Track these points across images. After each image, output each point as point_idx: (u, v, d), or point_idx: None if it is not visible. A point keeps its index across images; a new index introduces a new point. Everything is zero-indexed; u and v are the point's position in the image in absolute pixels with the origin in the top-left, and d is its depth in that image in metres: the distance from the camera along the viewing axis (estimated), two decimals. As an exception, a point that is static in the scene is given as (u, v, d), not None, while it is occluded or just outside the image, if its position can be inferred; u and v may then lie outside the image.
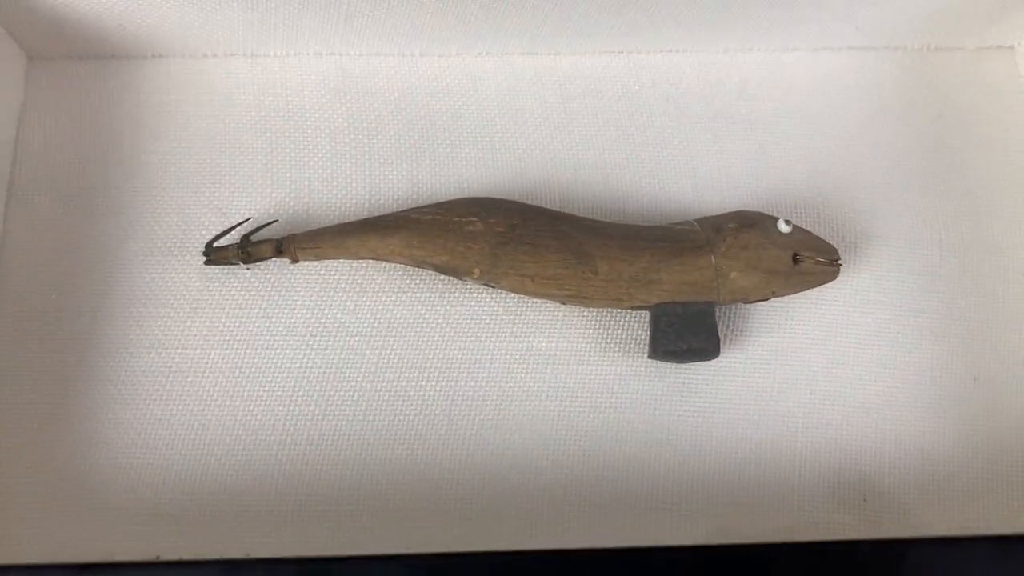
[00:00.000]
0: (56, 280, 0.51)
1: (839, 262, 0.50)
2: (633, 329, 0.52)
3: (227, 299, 0.51)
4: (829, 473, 0.50)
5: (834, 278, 0.50)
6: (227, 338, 0.51)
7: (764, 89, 0.57)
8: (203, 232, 0.52)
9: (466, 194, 0.55)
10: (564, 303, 0.51)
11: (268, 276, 0.52)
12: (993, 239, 0.55)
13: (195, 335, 0.51)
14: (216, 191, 0.54)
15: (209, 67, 0.56)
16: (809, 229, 0.53)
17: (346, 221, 0.51)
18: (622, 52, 0.58)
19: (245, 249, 0.50)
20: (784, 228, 0.49)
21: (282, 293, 0.52)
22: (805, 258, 0.49)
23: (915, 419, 0.51)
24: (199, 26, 0.54)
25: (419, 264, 0.50)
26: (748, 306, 0.52)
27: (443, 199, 0.53)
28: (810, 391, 0.52)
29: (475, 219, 0.49)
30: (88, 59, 0.56)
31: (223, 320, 0.51)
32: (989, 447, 0.51)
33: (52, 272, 0.51)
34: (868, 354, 0.52)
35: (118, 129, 0.55)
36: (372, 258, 0.50)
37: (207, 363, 0.50)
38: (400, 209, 0.52)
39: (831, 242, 0.53)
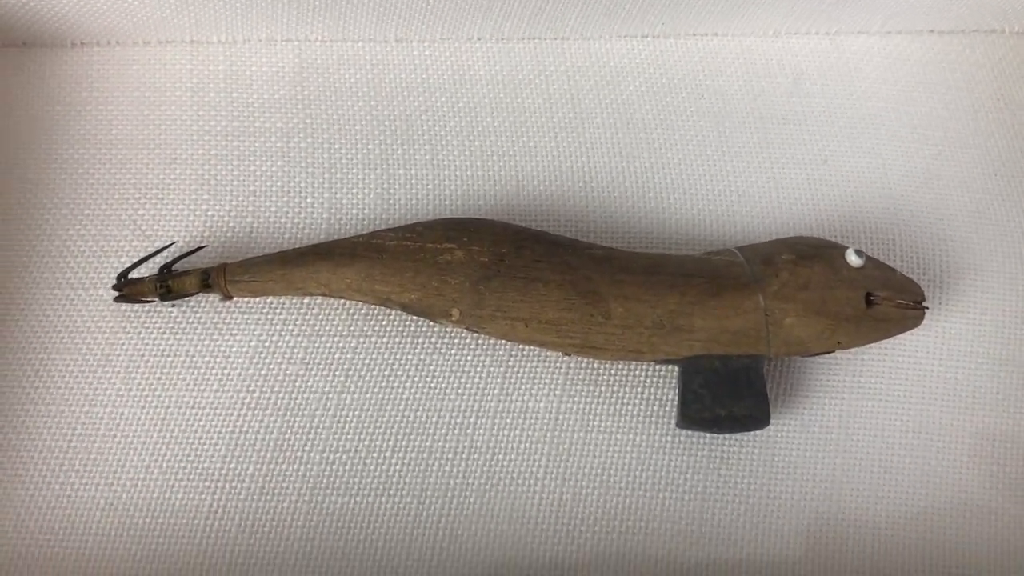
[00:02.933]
0: (-65, 316, 0.42)
1: (925, 304, 0.40)
2: (658, 388, 0.43)
3: (146, 344, 0.43)
4: (913, 577, 0.39)
5: (918, 324, 0.40)
6: (145, 393, 0.42)
7: (824, 81, 0.48)
8: (122, 259, 0.44)
9: (449, 212, 0.45)
10: (568, 354, 0.40)
11: (198, 316, 0.43)
12: (1123, 273, 0.43)
13: (106, 389, 0.42)
14: (140, 207, 0.45)
15: (140, 56, 0.48)
16: (883, 260, 0.42)
17: (293, 248, 0.41)
18: (646, 36, 0.49)
19: (164, 282, 0.41)
20: (855, 260, 0.38)
21: (215, 338, 0.43)
22: (882, 299, 0.39)
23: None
24: (128, 8, 0.46)
25: (383, 302, 0.40)
26: (807, 360, 0.41)
27: (419, 219, 0.44)
28: (885, 469, 0.42)
29: (453, 246, 0.39)
30: (-5, 47, 0.47)
31: (141, 371, 0.43)
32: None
33: (-69, 306, 0.42)
34: (961, 421, 0.43)
35: (25, 131, 0.46)
36: (323, 294, 0.40)
37: (119, 425, 0.42)
38: (362, 232, 0.41)
39: (914, 278, 0.42)
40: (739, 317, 0.38)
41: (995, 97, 0.47)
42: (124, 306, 0.42)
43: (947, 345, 0.43)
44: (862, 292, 0.38)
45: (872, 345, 0.42)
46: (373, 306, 0.42)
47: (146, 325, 0.42)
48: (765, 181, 0.45)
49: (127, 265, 0.42)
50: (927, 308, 0.40)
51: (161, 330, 0.42)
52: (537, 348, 0.42)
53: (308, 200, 0.45)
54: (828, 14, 0.47)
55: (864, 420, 0.42)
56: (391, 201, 0.45)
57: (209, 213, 0.44)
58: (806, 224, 0.44)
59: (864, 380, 0.42)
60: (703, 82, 0.47)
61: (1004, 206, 0.45)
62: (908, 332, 0.42)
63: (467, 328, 0.40)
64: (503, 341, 0.42)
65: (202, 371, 0.42)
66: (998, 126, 0.47)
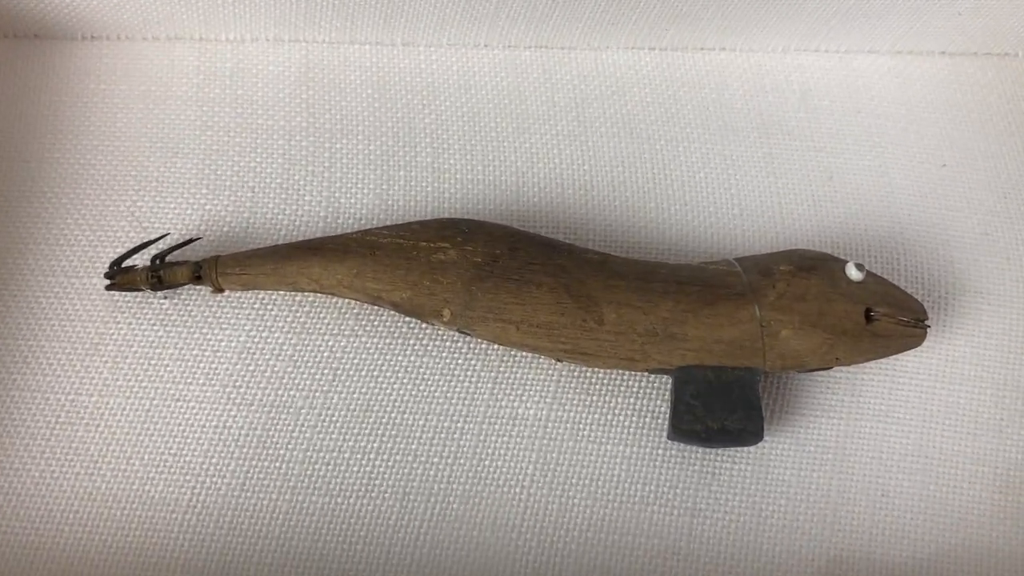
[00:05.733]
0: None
1: (926, 323, 0.38)
2: (650, 399, 0.42)
3: (137, 335, 0.43)
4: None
5: (917, 344, 0.39)
6: (131, 384, 0.42)
7: (832, 98, 0.48)
8: (118, 249, 0.44)
9: (447, 215, 0.44)
10: (560, 359, 0.39)
11: (189, 309, 0.42)
12: None
13: (92, 378, 0.42)
14: (140, 199, 0.45)
15: (148, 51, 0.48)
16: (887, 278, 0.41)
17: (287, 242, 0.40)
18: (653, 48, 0.49)
19: (156, 272, 0.40)
20: (855, 275, 0.37)
21: (204, 331, 0.42)
22: (882, 316, 0.37)
23: (1026, 536, 0.39)
24: (139, 4, 0.46)
25: (374, 300, 0.39)
26: (804, 376, 0.40)
27: (415, 219, 0.43)
28: (883, 492, 0.41)
29: (447, 245, 0.38)
30: (7, 39, 0.48)
31: (128, 361, 0.42)
32: None
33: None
34: (961, 446, 0.41)
35: (32, 121, 0.46)
36: (315, 291, 0.40)
37: (103, 414, 0.41)
38: (357, 230, 0.41)
39: (916, 298, 0.41)
40: (734, 327, 0.37)
41: (1006, 120, 0.47)
42: (116, 295, 0.42)
43: (949, 367, 0.42)
44: (862, 307, 0.37)
45: (872, 364, 0.41)
46: (364, 305, 0.42)
47: (137, 316, 0.42)
48: (769, 195, 0.45)
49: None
50: (929, 327, 0.39)
51: (151, 321, 0.42)
52: (528, 353, 0.41)
53: (306, 198, 0.45)
54: (838, 32, 0.47)
55: (862, 441, 0.41)
56: (389, 202, 0.45)
57: (207, 207, 0.44)
58: (809, 239, 0.44)
59: (863, 400, 0.41)
60: (708, 96, 0.47)
61: (1012, 229, 0.44)
62: (909, 352, 0.41)
63: (458, 330, 0.39)
64: (494, 345, 0.41)
65: (190, 364, 0.41)
66: (1008, 149, 0.46)
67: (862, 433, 0.41)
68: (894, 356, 0.41)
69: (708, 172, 0.45)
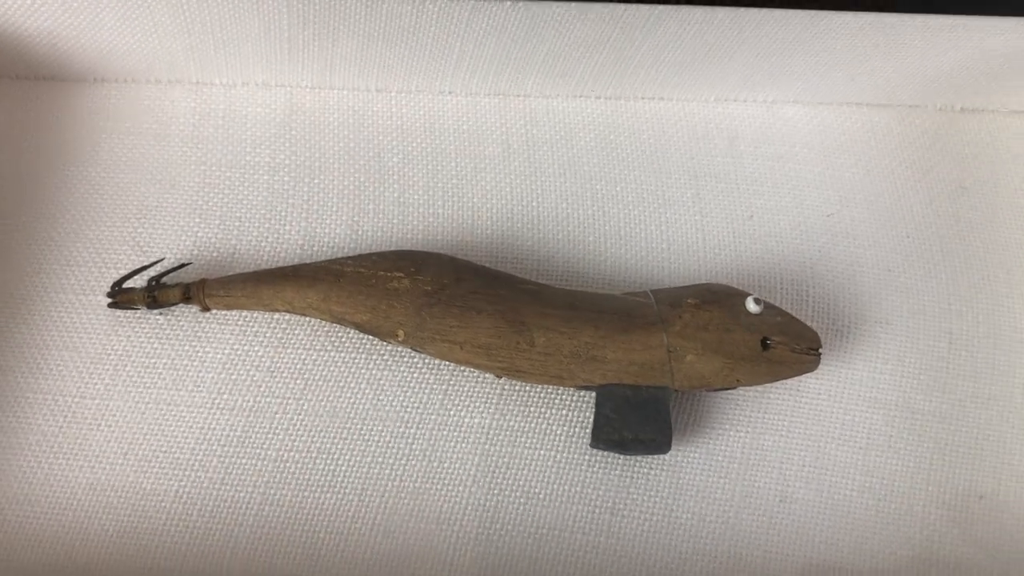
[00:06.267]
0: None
1: (819, 350, 0.43)
2: (580, 412, 0.46)
3: (135, 347, 0.47)
4: (797, 598, 0.43)
5: (812, 369, 0.43)
6: (130, 389, 0.46)
7: (757, 145, 0.52)
8: (119, 271, 0.48)
9: (411, 246, 0.49)
10: (499, 376, 0.44)
11: (180, 324, 0.48)
12: (1013, 332, 0.47)
13: (96, 384, 0.47)
14: (140, 227, 0.50)
15: (150, 93, 0.53)
16: (796, 308, 0.47)
17: (265, 268, 0.46)
18: (599, 97, 0.53)
19: (151, 293, 0.45)
20: (753, 308, 0.42)
21: (194, 344, 0.47)
22: (777, 344, 0.42)
23: (908, 540, 0.44)
24: (143, 50, 0.51)
25: (339, 321, 0.45)
26: (713, 394, 0.45)
27: (382, 248, 0.48)
28: (781, 499, 0.45)
29: (401, 275, 0.44)
30: (23, 79, 0.52)
31: (128, 369, 0.47)
32: (995, 581, 0.43)
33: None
34: (854, 459, 0.46)
35: (46, 155, 0.51)
36: (288, 311, 0.45)
37: (105, 415, 0.46)
38: (326, 259, 0.46)
39: (817, 326, 0.46)
40: (645, 351, 0.42)
41: (914, 167, 0.51)
42: (122, 313, 0.48)
43: (848, 389, 0.46)
44: (758, 336, 0.42)
45: (777, 385, 0.46)
46: (332, 324, 0.47)
47: (135, 330, 0.47)
48: (695, 232, 0.50)
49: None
50: (821, 355, 0.43)
51: (148, 335, 0.47)
52: (473, 369, 0.46)
53: (286, 228, 0.50)
54: (765, 84, 0.51)
55: (765, 453, 0.45)
56: (359, 232, 0.50)
57: (199, 234, 0.50)
58: (728, 273, 0.49)
59: (768, 416, 0.46)
60: (646, 140, 0.51)
61: (913, 266, 0.49)
62: (813, 375, 0.46)
63: (412, 348, 0.45)
64: (444, 361, 0.46)
65: (180, 373, 0.46)
66: (914, 192, 0.50)
67: (765, 445, 0.45)
68: (796, 378, 0.46)
69: (642, 210, 0.50)
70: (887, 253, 0.49)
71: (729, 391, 0.45)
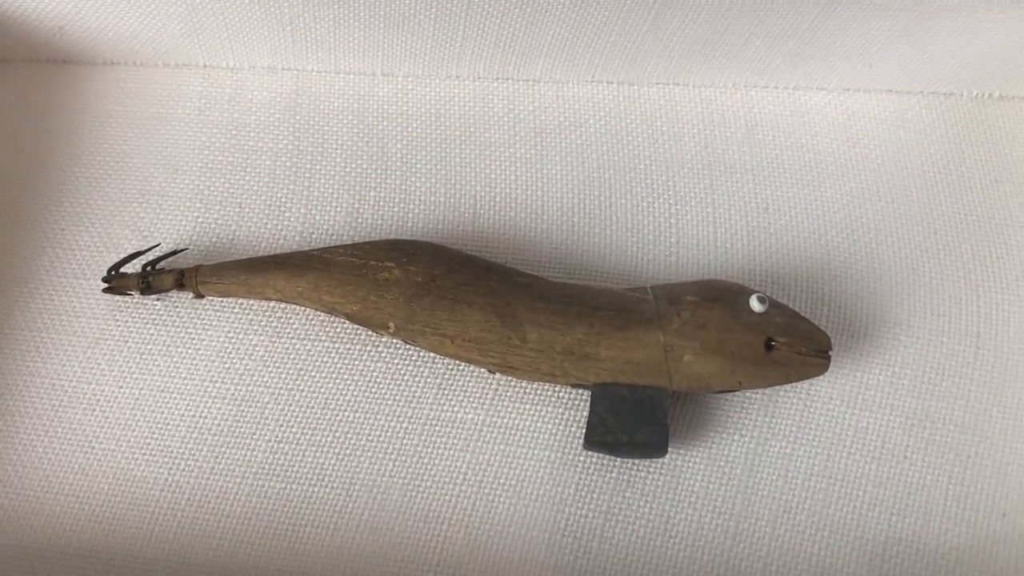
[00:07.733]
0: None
1: (828, 353, 0.40)
2: (576, 411, 0.45)
3: (132, 332, 0.47)
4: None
5: (821, 373, 0.41)
6: (124, 374, 0.46)
7: (776, 134, 0.49)
8: (118, 255, 0.48)
9: (411, 235, 0.48)
10: (492, 371, 0.43)
11: (178, 311, 0.47)
12: (1047, 339, 0.44)
13: (93, 368, 0.47)
14: (142, 211, 0.49)
15: (158, 76, 0.53)
16: (811, 307, 0.45)
17: (259, 256, 0.45)
18: (610, 82, 0.51)
19: (145, 279, 0.45)
20: (757, 307, 0.40)
21: (188, 331, 0.47)
22: (781, 345, 0.40)
23: (923, 559, 0.41)
24: (152, 34, 0.50)
25: (330, 311, 0.44)
26: (714, 397, 0.43)
27: (382, 237, 0.47)
28: (786, 510, 0.43)
29: (392, 265, 0.42)
30: (30, 62, 0.53)
31: (124, 355, 0.47)
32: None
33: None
34: (866, 470, 0.43)
35: (53, 138, 0.51)
36: (279, 299, 0.44)
37: (99, 400, 0.46)
38: (320, 247, 0.45)
39: (833, 326, 0.44)
40: (641, 350, 0.40)
41: (945, 158, 0.48)
42: (120, 297, 0.47)
43: (863, 395, 0.44)
44: (762, 336, 0.40)
45: (785, 388, 0.43)
46: (327, 314, 0.46)
47: (133, 316, 0.47)
48: (706, 225, 0.47)
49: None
50: (831, 357, 0.41)
51: (144, 321, 0.47)
52: (465, 364, 0.45)
53: (286, 214, 0.49)
54: (786, 69, 0.49)
55: (770, 459, 0.43)
56: (360, 220, 0.49)
57: (199, 220, 0.49)
58: (740, 268, 0.46)
59: (775, 421, 0.43)
60: (659, 128, 0.49)
61: (940, 265, 0.46)
62: (825, 378, 0.43)
63: (403, 340, 0.44)
64: (438, 355, 0.45)
65: (174, 359, 0.46)
66: (944, 186, 0.47)
67: (771, 452, 0.43)
68: (807, 381, 0.43)
69: (652, 201, 0.48)
70: (912, 250, 0.46)
71: (732, 394, 0.43)
